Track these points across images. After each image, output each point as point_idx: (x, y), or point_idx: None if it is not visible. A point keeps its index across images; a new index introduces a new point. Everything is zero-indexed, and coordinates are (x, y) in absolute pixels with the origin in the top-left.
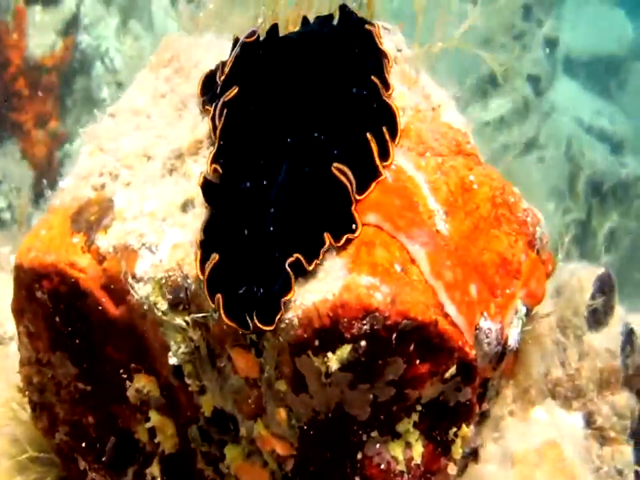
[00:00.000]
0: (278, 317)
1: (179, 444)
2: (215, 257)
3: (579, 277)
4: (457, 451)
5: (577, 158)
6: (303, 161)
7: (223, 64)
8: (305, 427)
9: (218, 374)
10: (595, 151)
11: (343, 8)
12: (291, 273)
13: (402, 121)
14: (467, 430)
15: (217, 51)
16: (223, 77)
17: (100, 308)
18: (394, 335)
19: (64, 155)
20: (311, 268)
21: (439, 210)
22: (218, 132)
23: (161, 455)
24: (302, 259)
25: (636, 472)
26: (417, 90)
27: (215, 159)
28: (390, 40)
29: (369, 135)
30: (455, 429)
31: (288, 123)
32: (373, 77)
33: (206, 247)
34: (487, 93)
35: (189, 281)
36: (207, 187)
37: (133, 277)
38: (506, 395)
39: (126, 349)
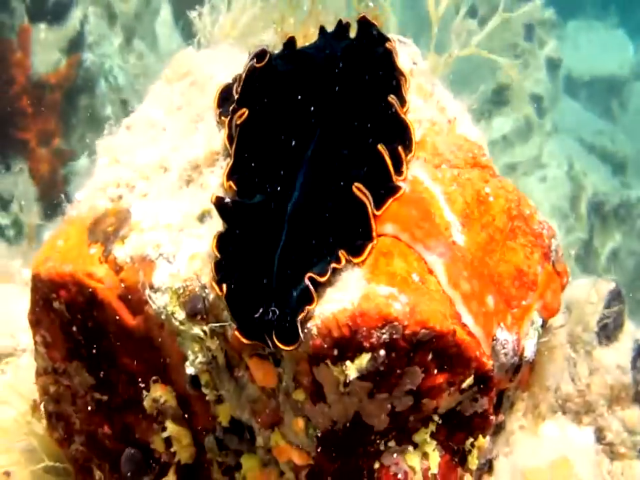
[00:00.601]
0: (300, 338)
1: (195, 454)
2: (230, 276)
3: (589, 292)
4: (473, 461)
5: (579, 178)
6: (318, 178)
7: (239, 77)
8: (323, 437)
9: (235, 383)
10: (597, 171)
11: (363, 20)
12: (312, 289)
13: (418, 133)
14: (484, 440)
15: (231, 64)
16: (238, 90)
17: (117, 318)
18: (412, 345)
19: (68, 173)
20: (324, 280)
21: (455, 221)
22: (233, 149)
23: (176, 465)
24: (317, 277)
25: None
26: (432, 103)
27: (229, 176)
28: (406, 53)
29: (384, 152)
30: (471, 440)
31: (303, 138)
32: (390, 97)
33: (221, 265)
34: (490, 112)
35: (206, 290)
36: (221, 205)
37: (151, 286)
38: (517, 409)
39: (143, 358)
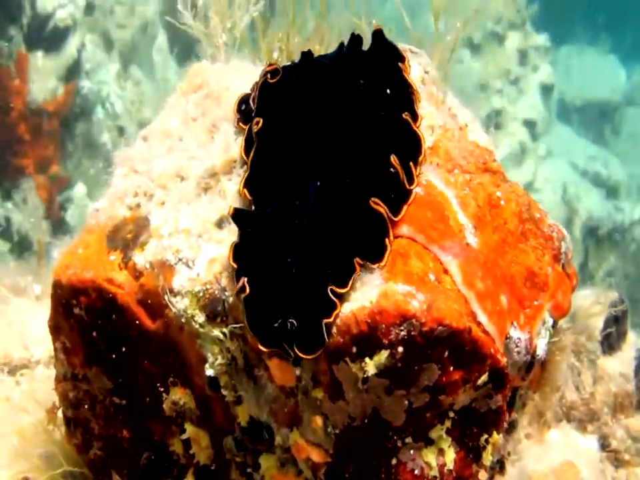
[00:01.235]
0: (322, 347)
1: (213, 455)
2: (247, 287)
3: (592, 302)
4: (488, 457)
5: (572, 202)
6: (333, 187)
7: (256, 86)
8: (341, 434)
9: (254, 384)
10: (591, 195)
11: (377, 32)
12: (336, 300)
13: (431, 139)
14: (498, 437)
15: (246, 76)
16: (255, 99)
17: (137, 322)
18: (429, 341)
19: (65, 200)
20: (344, 291)
21: (469, 224)
22: (249, 158)
23: (195, 467)
24: (338, 289)
25: None
26: (444, 110)
27: (246, 185)
28: (417, 62)
29: (396, 163)
30: (485, 436)
31: (317, 148)
32: (405, 114)
33: (240, 274)
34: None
35: (226, 293)
36: (237, 216)
37: (171, 291)
38: (524, 416)
39: (162, 362)
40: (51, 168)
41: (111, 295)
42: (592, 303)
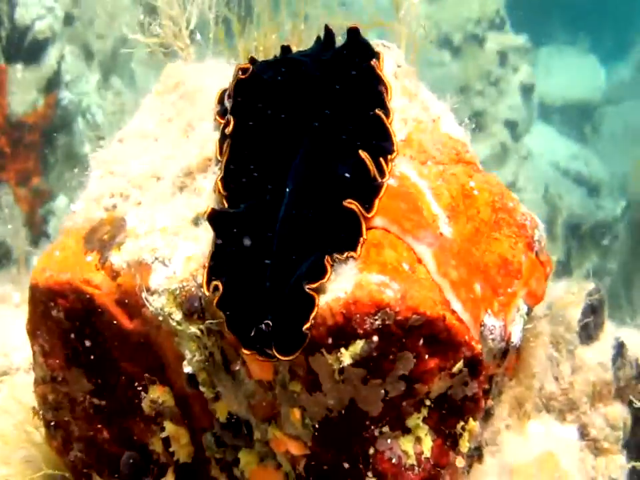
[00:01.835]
0: (300, 348)
1: (193, 453)
2: (219, 287)
3: (570, 293)
4: (465, 444)
5: (554, 201)
6: (307, 184)
7: (230, 85)
8: (319, 426)
9: (232, 379)
10: (572, 194)
11: (352, 29)
12: (314, 295)
13: (404, 131)
14: (474, 424)
15: (221, 75)
16: (229, 99)
17: (115, 322)
18: (404, 330)
19: (47, 212)
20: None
21: (442, 214)
22: (224, 158)
23: (175, 465)
24: (312, 285)
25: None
26: (417, 103)
27: (221, 184)
28: (390, 56)
29: (366, 158)
30: (462, 423)
31: (291, 145)
32: (377, 110)
33: (214, 274)
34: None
35: (202, 289)
36: (213, 218)
37: (148, 289)
38: (503, 407)
39: (141, 361)
40: (32, 181)
41: (88, 296)
42: (569, 294)
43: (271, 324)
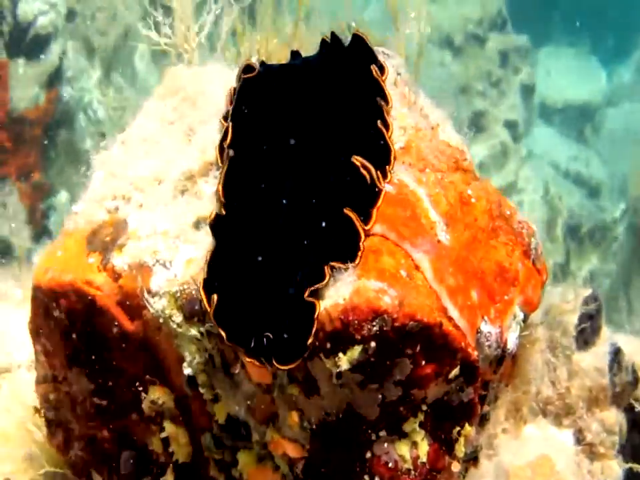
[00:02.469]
0: (300, 358)
1: (192, 453)
2: (214, 297)
3: (567, 298)
4: (460, 449)
5: (554, 202)
6: (305, 192)
7: (233, 88)
8: (316, 429)
9: (231, 381)
10: (572, 195)
11: (356, 35)
12: (316, 306)
13: (403, 139)
14: (470, 429)
15: (222, 80)
16: (231, 103)
17: (116, 324)
18: (401, 336)
19: (47, 207)
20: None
21: (440, 221)
22: (225, 164)
23: (174, 465)
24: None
25: None
26: (416, 110)
27: (222, 189)
28: (390, 64)
29: (362, 165)
30: (458, 428)
31: (290, 153)
32: (378, 122)
33: (212, 284)
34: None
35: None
36: (214, 225)
37: (149, 291)
38: (499, 410)
39: (141, 362)
40: (33, 176)
41: (90, 297)
42: (566, 300)
43: (271, 336)
